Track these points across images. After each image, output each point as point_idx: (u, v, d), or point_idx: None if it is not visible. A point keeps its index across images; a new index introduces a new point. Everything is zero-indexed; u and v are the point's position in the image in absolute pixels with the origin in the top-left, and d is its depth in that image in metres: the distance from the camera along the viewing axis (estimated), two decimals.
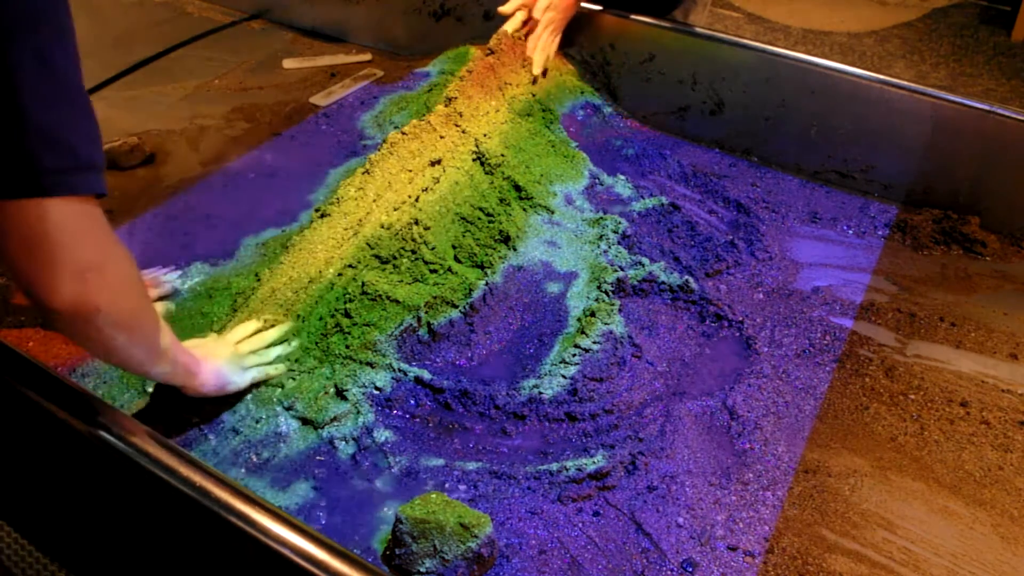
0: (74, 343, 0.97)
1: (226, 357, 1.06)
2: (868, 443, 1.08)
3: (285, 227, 1.42)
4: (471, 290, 1.23)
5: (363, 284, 1.19)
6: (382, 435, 1.05)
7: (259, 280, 1.24)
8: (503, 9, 1.65)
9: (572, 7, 1.68)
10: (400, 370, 1.12)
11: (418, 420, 1.08)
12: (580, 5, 1.70)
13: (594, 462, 1.01)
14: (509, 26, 1.64)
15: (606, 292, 1.26)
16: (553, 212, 1.43)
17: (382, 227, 1.31)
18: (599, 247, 1.35)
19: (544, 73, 1.65)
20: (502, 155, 1.45)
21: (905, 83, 1.51)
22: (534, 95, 1.66)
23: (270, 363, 1.11)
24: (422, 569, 0.86)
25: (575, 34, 1.77)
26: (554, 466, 1.01)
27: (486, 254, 1.31)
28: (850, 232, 1.48)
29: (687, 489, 1.00)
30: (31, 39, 0.68)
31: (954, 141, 1.48)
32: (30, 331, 1.18)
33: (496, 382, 1.13)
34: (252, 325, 1.14)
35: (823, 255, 1.42)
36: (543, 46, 1.66)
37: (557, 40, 1.70)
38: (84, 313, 0.77)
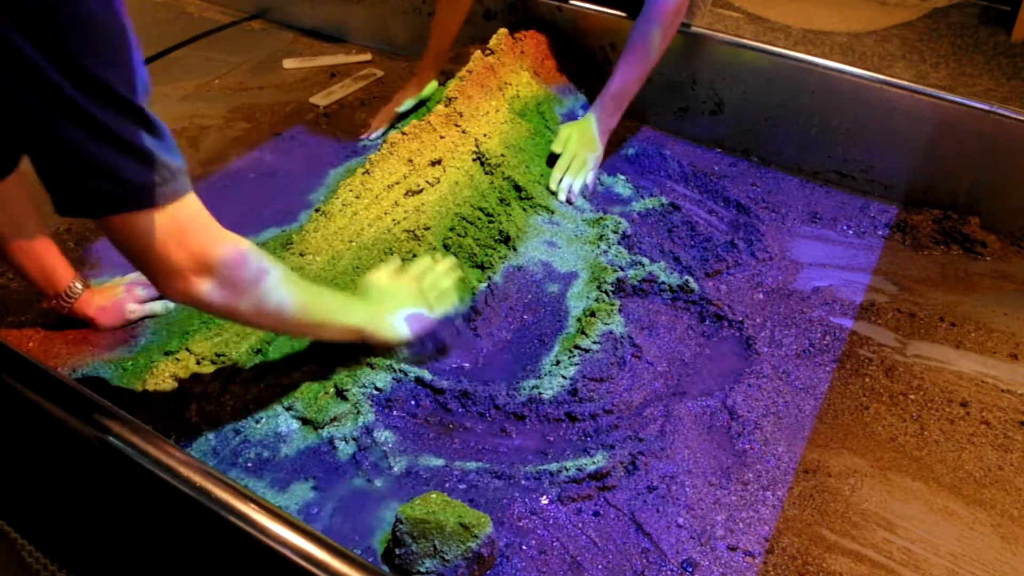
0: None
1: (413, 302, 1.15)
2: (868, 443, 1.08)
3: (285, 227, 1.42)
4: (472, 291, 1.23)
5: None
6: (382, 435, 1.05)
7: None
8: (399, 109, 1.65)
9: (601, 146, 1.57)
10: (400, 370, 1.12)
11: (418, 420, 1.08)
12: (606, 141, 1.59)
13: (594, 462, 1.01)
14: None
15: (606, 292, 1.26)
16: (553, 212, 1.43)
17: (382, 227, 1.31)
18: (599, 247, 1.35)
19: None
20: (502, 155, 1.45)
21: (905, 83, 1.50)
22: (534, 97, 1.66)
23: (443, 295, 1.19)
24: (422, 569, 0.86)
25: (576, 34, 1.77)
26: (554, 466, 1.01)
27: (486, 254, 1.31)
28: (850, 232, 1.48)
29: (687, 489, 0.99)
30: (96, 65, 0.71)
31: (954, 141, 1.48)
32: (30, 331, 1.18)
33: (496, 382, 1.13)
34: (426, 261, 1.22)
35: (823, 255, 1.42)
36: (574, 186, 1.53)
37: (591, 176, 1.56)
38: (202, 305, 0.89)
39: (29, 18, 0.67)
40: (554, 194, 1.50)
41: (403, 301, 1.14)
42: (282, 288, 0.94)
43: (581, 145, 1.54)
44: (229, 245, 0.89)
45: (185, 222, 0.84)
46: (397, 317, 1.12)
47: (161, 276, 0.85)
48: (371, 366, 1.12)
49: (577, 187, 1.51)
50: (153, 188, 0.79)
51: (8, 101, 0.71)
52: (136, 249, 0.82)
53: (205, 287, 0.87)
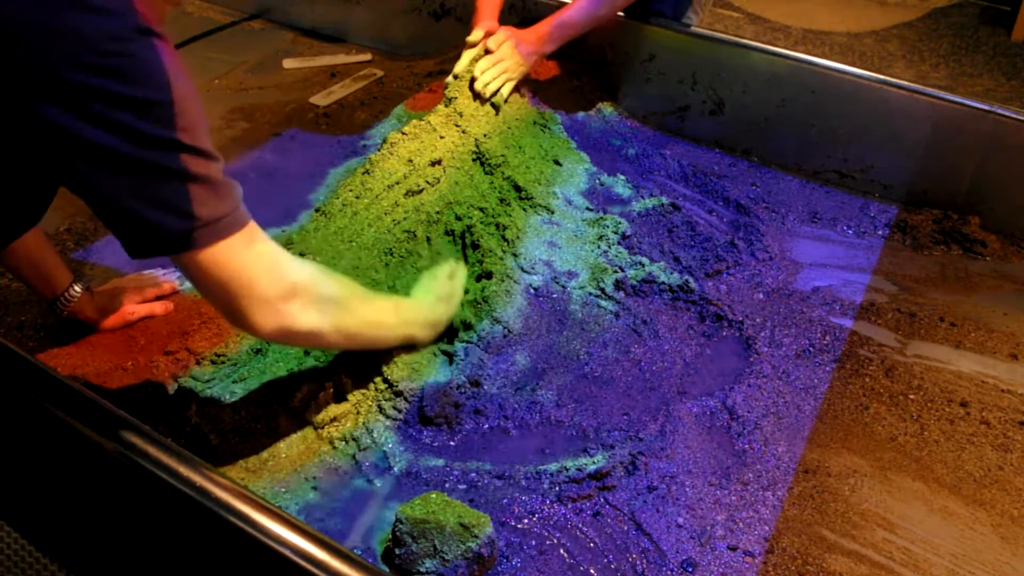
0: None
1: (451, 297, 1.18)
2: (868, 443, 1.08)
3: (285, 227, 1.42)
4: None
5: (372, 283, 1.19)
6: (382, 435, 1.05)
7: None
8: (470, 38, 1.55)
9: (527, 64, 1.57)
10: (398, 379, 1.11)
11: (418, 420, 1.08)
12: (533, 63, 1.59)
13: (594, 462, 1.01)
14: (458, 66, 1.52)
15: (606, 292, 1.26)
16: (553, 212, 1.43)
17: (382, 228, 1.31)
18: (599, 247, 1.35)
19: (496, 110, 1.53)
20: (502, 155, 1.45)
21: (905, 83, 1.51)
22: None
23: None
24: (422, 569, 0.86)
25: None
26: (554, 466, 1.01)
27: (486, 254, 1.31)
28: (850, 232, 1.48)
29: (687, 489, 0.99)
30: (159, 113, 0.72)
31: (954, 141, 1.48)
32: (30, 331, 1.18)
33: (496, 383, 1.12)
34: (448, 267, 1.22)
35: (823, 255, 1.42)
36: (490, 85, 1.52)
37: (509, 85, 1.55)
38: (290, 333, 0.88)
39: (85, 87, 0.68)
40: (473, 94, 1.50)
41: (445, 298, 1.18)
42: (366, 304, 0.99)
43: (511, 52, 1.54)
44: (304, 265, 0.90)
45: (262, 244, 0.83)
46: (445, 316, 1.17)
47: (250, 307, 0.83)
48: (371, 366, 1.11)
49: (507, 90, 1.53)
50: (226, 216, 0.79)
51: (70, 174, 0.73)
52: (220, 281, 0.81)
53: (293, 311, 0.86)
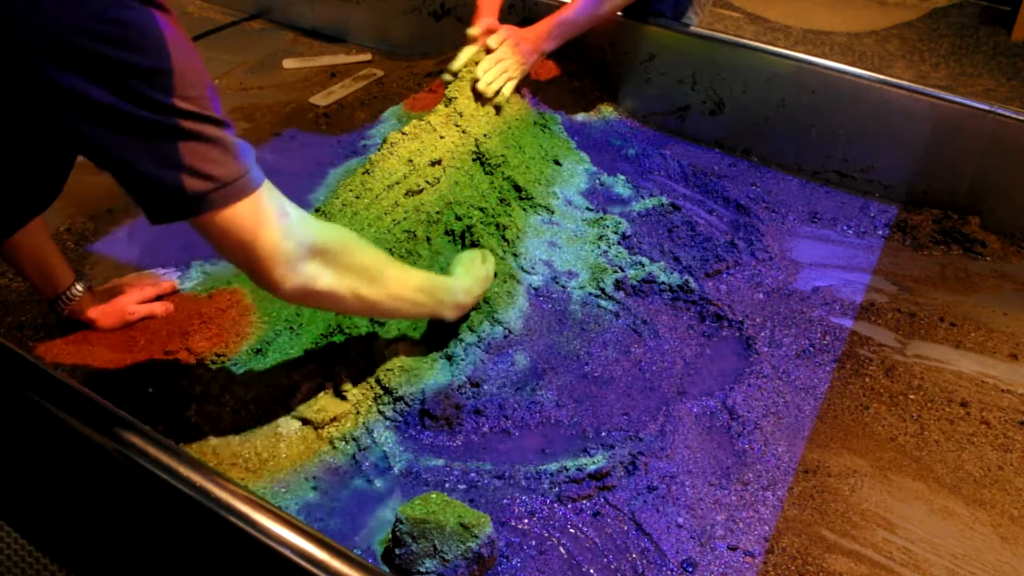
0: None
1: (486, 280, 1.18)
2: (868, 443, 1.08)
3: None
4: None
5: None
6: (382, 435, 1.05)
7: None
8: (471, 32, 1.55)
9: (528, 63, 1.56)
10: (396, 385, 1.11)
11: (418, 420, 1.08)
12: (533, 62, 1.58)
13: (594, 462, 1.01)
14: (455, 63, 1.51)
15: (606, 292, 1.26)
16: (553, 212, 1.43)
17: (382, 228, 1.31)
18: (599, 247, 1.35)
19: (498, 110, 1.53)
20: (502, 155, 1.45)
21: (905, 83, 1.51)
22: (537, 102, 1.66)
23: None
24: (422, 569, 0.86)
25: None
26: (554, 466, 1.01)
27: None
28: (850, 232, 1.48)
29: (687, 489, 0.99)
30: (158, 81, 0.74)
31: (954, 141, 1.48)
32: (30, 331, 1.18)
33: (497, 383, 1.12)
34: (479, 252, 1.22)
35: (823, 255, 1.42)
36: (492, 85, 1.51)
37: (510, 85, 1.54)
38: (311, 293, 0.89)
39: (99, 58, 0.70)
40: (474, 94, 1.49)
41: (477, 279, 1.17)
42: (388, 267, 0.98)
43: (511, 51, 1.53)
44: (331, 228, 0.91)
45: (280, 203, 0.85)
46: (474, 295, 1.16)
47: (272, 266, 0.84)
48: (371, 367, 1.11)
49: (508, 89, 1.52)
50: (241, 177, 0.80)
51: (83, 139, 0.75)
52: (241, 242, 0.82)
53: (312, 271, 0.87)
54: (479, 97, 1.50)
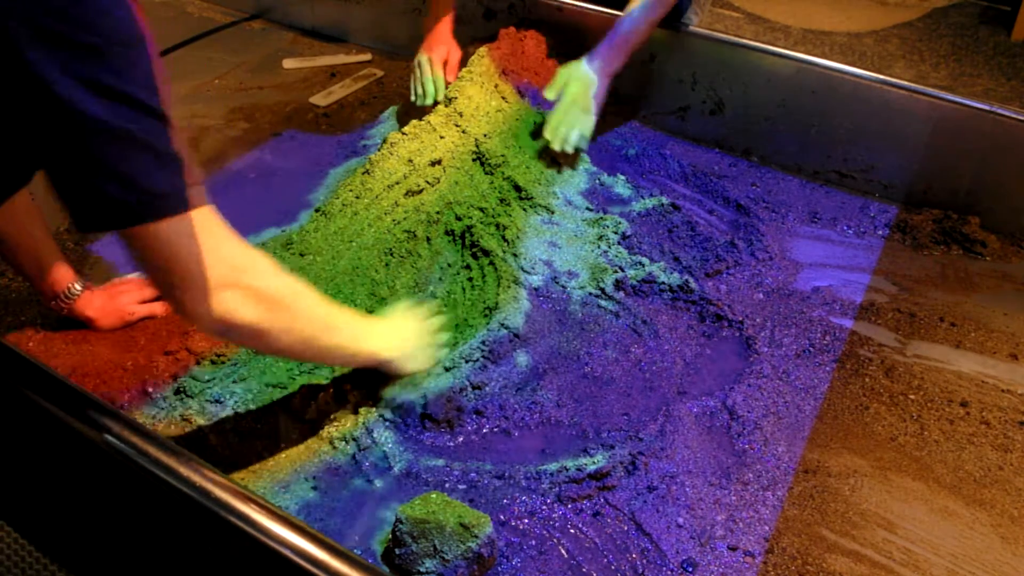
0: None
1: (422, 342, 1.10)
2: (868, 443, 1.08)
3: (285, 227, 1.42)
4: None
5: (372, 283, 1.19)
6: (382, 435, 1.05)
7: None
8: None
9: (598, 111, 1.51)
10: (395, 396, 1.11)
11: (418, 421, 1.08)
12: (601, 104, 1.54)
13: (594, 462, 1.01)
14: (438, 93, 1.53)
15: (606, 292, 1.26)
16: (553, 212, 1.43)
17: (382, 228, 1.31)
18: (599, 247, 1.35)
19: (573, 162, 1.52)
20: (502, 155, 1.45)
21: (905, 83, 1.50)
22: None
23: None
24: (422, 569, 0.86)
25: (576, 34, 1.77)
26: (554, 466, 1.01)
27: (486, 255, 1.31)
28: (850, 232, 1.48)
29: (687, 489, 0.99)
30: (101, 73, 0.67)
31: (954, 141, 1.47)
32: (30, 331, 1.18)
33: (497, 383, 1.12)
34: (430, 308, 1.16)
35: (823, 255, 1.42)
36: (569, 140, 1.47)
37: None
38: (231, 326, 0.82)
39: (40, 30, 0.64)
40: (546, 153, 1.45)
41: (422, 338, 1.11)
42: (317, 307, 0.91)
43: (582, 89, 1.46)
44: (259, 255, 0.84)
45: (213, 229, 0.78)
46: (418, 350, 1.09)
47: (190, 292, 0.78)
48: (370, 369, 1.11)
49: (574, 138, 1.45)
50: (174, 194, 0.74)
51: (21, 116, 0.69)
52: (162, 262, 0.76)
53: (232, 301, 0.80)
54: (562, 154, 1.46)
